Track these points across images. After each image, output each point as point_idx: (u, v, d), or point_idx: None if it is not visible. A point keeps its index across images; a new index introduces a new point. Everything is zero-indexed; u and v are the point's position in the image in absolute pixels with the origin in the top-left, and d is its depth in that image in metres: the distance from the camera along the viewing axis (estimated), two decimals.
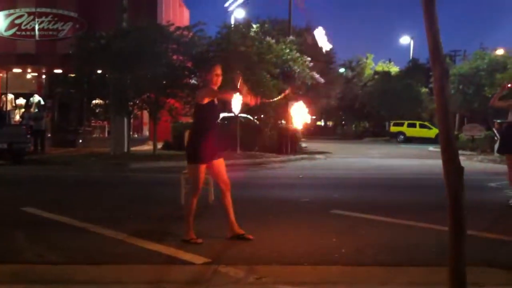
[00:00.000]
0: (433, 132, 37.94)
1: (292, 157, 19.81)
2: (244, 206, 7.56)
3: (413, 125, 40.33)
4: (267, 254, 5.24)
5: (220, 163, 5.82)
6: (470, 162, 18.53)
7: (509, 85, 8.90)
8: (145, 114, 22.77)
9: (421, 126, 40.13)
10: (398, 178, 13.64)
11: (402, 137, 40.06)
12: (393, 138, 40.77)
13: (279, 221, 7.00)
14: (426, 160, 20.07)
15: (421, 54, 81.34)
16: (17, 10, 24.07)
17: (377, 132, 49.60)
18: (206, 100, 5.64)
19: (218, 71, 5.79)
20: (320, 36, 5.18)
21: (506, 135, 8.86)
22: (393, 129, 41.53)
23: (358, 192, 10.49)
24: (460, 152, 3.20)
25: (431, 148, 29.39)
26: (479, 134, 25.58)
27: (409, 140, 39.04)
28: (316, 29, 5.16)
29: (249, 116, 23.42)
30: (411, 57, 50.77)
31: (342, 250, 5.40)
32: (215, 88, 5.77)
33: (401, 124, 40.98)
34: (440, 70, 3.08)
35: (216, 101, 5.80)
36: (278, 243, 5.73)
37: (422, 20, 3.30)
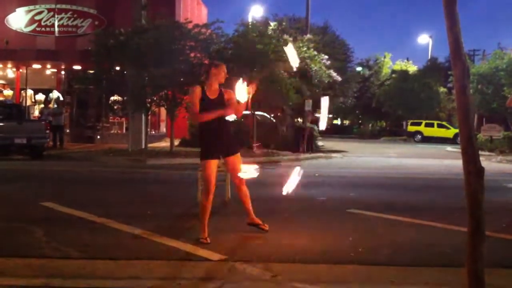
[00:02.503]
0: (451, 132, 37.62)
1: (308, 155, 19.79)
2: (260, 204, 7.57)
3: (431, 125, 39.99)
4: (282, 252, 5.24)
5: (235, 159, 5.79)
6: (489, 163, 18.34)
7: None
8: (163, 111, 22.89)
9: (439, 125, 39.78)
10: (415, 177, 13.56)
11: (419, 136, 39.75)
12: (411, 137, 40.46)
13: (295, 220, 7.00)
14: (444, 160, 19.91)
15: (439, 52, 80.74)
16: (37, 6, 24.32)
17: (394, 132, 49.29)
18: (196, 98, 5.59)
19: (226, 69, 5.78)
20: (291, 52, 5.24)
21: None
22: (411, 128, 41.21)
23: (374, 191, 10.45)
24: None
25: (449, 148, 29.16)
26: (497, 135, 25.35)
27: (427, 139, 38.72)
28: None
29: (265, 114, 23.43)
30: (429, 56, 50.35)
31: (358, 250, 5.39)
32: (215, 84, 5.69)
33: (419, 124, 40.65)
34: (461, 70, 3.05)
35: (219, 97, 5.68)
36: (293, 241, 5.74)
37: (441, 18, 3.27)
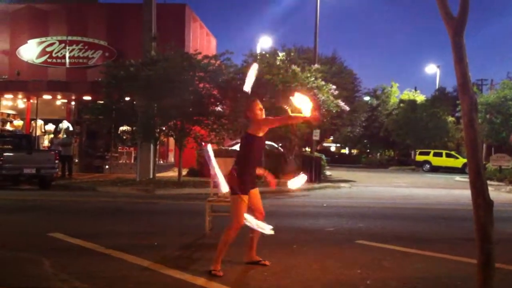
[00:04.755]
0: (459, 161, 37.44)
1: (316, 185, 19.72)
2: (268, 235, 7.53)
3: (439, 154, 39.85)
4: (290, 284, 5.20)
5: (257, 193, 5.78)
6: (498, 193, 18.23)
7: None
8: (171, 141, 22.98)
9: (448, 155, 39.61)
10: (424, 208, 13.46)
11: (428, 166, 39.57)
12: (419, 167, 40.29)
13: (303, 251, 6.95)
14: (453, 190, 19.78)
15: (447, 82, 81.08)
16: (49, 38, 24.74)
17: (403, 161, 49.14)
18: (260, 133, 5.60)
19: (260, 105, 5.75)
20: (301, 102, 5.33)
21: None
22: (419, 158, 41.06)
23: (383, 222, 10.37)
24: (487, 182, 3.18)
25: (457, 177, 28.99)
26: (507, 164, 25.20)
27: (435, 169, 38.54)
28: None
29: (273, 144, 23.46)
30: (437, 86, 50.54)
31: (367, 282, 5.33)
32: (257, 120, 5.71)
33: (427, 153, 40.51)
34: (469, 104, 3.07)
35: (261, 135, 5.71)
36: (301, 273, 5.69)
37: (448, 48, 3.30)
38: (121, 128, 20.13)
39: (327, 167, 25.26)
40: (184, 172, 20.18)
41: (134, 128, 18.62)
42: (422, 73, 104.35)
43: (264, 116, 5.73)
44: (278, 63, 19.71)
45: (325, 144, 57.24)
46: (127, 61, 18.55)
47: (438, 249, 7.11)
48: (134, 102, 18.50)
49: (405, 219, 11.04)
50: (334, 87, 22.52)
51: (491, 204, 3.07)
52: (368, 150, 59.65)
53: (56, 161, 16.69)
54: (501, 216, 10.29)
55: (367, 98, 51.64)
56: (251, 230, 5.87)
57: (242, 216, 5.49)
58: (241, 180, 5.48)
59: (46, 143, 23.98)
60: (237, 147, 23.75)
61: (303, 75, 20.53)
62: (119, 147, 23.64)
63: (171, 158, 27.00)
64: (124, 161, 23.90)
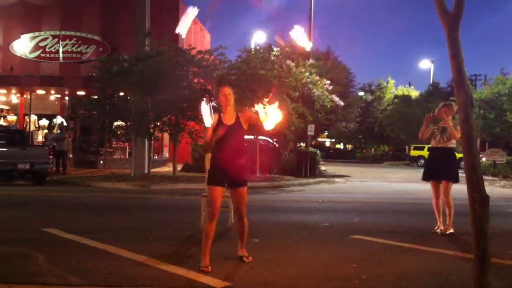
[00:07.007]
0: None
1: (311, 180, 19.74)
2: (263, 229, 7.56)
3: None
4: (285, 279, 5.19)
5: (241, 192, 5.66)
6: (492, 188, 18.29)
7: (432, 114, 8.45)
8: (166, 136, 22.96)
9: None
10: (419, 203, 13.48)
11: (422, 161, 39.64)
12: (414, 162, 40.38)
13: (298, 246, 6.95)
14: None
15: (441, 77, 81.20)
16: (42, 33, 24.63)
17: (397, 156, 49.25)
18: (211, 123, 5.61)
19: (226, 91, 5.66)
20: (298, 36, 5.17)
21: (428, 160, 8.78)
22: (414, 153, 41.16)
23: (378, 216, 10.40)
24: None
25: None
26: (501, 159, 25.32)
27: None
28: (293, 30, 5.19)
29: (268, 139, 23.49)
30: (431, 81, 50.65)
31: (362, 277, 5.33)
32: (226, 108, 5.65)
33: (422, 148, 40.58)
34: (465, 99, 3.07)
35: (231, 123, 5.60)
36: (297, 268, 5.68)
37: (442, 43, 3.31)
38: (115, 123, 20.08)
39: (322, 162, 25.31)
40: (179, 167, 20.16)
41: (128, 123, 18.59)
42: (416, 69, 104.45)
43: (231, 102, 5.65)
44: (272, 58, 19.69)
45: (319, 139, 57.30)
46: (120, 56, 18.49)
47: (434, 244, 7.12)
48: (128, 97, 18.45)
49: (400, 214, 11.07)
50: (328, 82, 22.57)
51: (487, 198, 3.07)
52: (362, 145, 59.79)
53: (50, 156, 16.64)
54: (496, 211, 10.33)
55: (361, 93, 51.67)
56: (238, 228, 5.85)
57: (213, 206, 5.53)
58: (209, 172, 5.67)
59: (40, 138, 23.90)
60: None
61: (297, 70, 20.53)
62: (114, 142, 23.60)
63: (166, 153, 26.97)
64: (118, 156, 23.86)
